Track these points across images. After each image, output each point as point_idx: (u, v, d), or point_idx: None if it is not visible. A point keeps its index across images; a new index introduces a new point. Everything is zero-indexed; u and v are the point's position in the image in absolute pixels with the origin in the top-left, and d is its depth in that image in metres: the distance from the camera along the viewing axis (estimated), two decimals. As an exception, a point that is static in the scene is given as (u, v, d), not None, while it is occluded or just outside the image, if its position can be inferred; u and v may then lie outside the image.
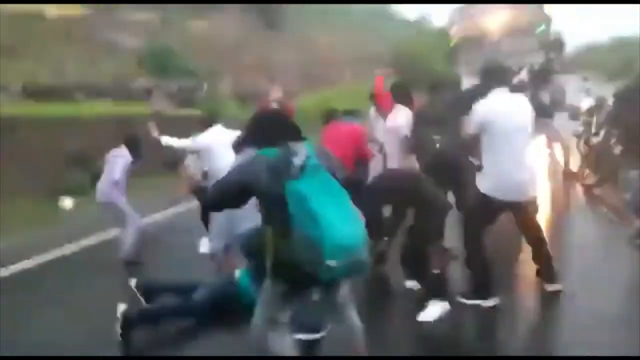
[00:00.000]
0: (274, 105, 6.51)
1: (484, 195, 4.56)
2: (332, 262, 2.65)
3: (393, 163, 5.88)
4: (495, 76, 4.72)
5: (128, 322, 4.32)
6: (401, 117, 5.98)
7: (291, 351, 3.24)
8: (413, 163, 5.64)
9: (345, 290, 3.22)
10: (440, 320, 4.48)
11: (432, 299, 4.51)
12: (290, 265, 2.84)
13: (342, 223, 2.71)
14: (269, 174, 2.90)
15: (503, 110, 4.52)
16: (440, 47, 35.18)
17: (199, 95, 18.14)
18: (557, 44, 14.75)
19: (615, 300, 4.89)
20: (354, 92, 24.74)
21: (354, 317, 3.28)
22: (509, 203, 4.60)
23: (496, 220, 4.86)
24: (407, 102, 6.10)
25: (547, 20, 15.23)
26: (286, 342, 3.25)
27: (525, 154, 4.58)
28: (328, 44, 31.67)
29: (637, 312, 4.44)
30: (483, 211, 4.63)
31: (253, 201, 3.15)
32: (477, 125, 4.55)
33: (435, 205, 4.65)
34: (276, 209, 2.86)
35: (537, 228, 4.97)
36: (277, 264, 3.01)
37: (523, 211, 4.84)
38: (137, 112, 13.26)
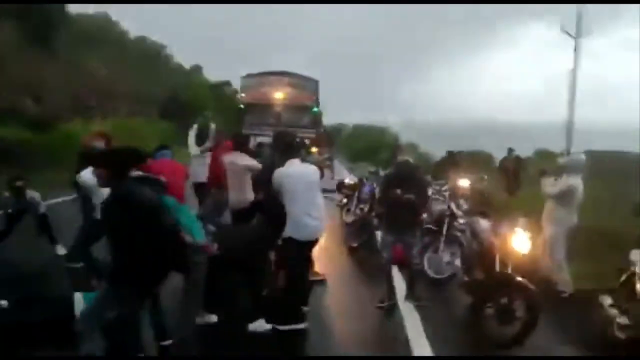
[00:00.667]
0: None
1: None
2: None
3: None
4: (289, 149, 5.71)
5: None
6: (242, 160, 6.96)
7: None
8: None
9: None
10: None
11: None
12: None
13: None
14: None
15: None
16: (210, 100, 36.76)
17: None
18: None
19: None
20: (130, 128, 24.19)
21: None
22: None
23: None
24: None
25: (318, 103, 17.53)
26: None
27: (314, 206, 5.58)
28: (105, 75, 30.31)
29: None
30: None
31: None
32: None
33: None
34: None
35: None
36: None
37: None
38: None
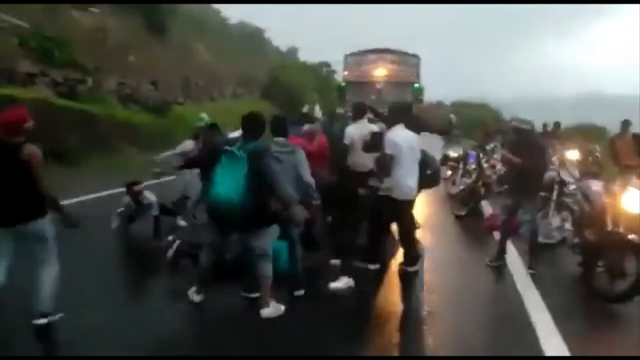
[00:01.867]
0: None
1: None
2: None
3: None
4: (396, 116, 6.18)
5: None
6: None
7: None
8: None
9: None
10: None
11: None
12: None
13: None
14: None
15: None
16: (309, 81, 37.76)
17: (82, 89, 17.65)
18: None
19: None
20: (234, 109, 25.68)
21: None
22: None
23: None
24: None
25: (419, 79, 17.74)
26: None
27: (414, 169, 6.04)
28: (211, 60, 32.16)
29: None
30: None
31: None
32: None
33: None
34: None
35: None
36: None
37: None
38: (18, 96, 12.75)
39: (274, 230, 5.06)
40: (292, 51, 58.17)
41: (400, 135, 5.97)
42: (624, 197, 5.56)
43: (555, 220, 7.61)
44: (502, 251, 6.71)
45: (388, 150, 5.90)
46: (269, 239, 5.00)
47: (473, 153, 11.58)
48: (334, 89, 43.86)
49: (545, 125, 14.47)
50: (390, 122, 6.26)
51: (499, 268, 6.63)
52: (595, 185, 6.42)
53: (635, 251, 5.30)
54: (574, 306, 5.58)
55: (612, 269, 5.41)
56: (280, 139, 5.34)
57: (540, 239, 7.51)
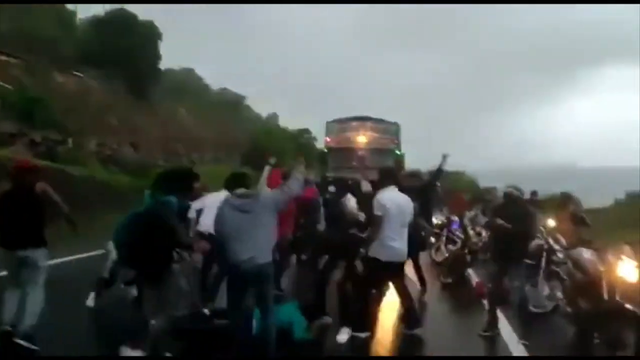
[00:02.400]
0: None
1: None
2: None
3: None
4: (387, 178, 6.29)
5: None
6: None
7: None
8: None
9: None
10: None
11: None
12: None
13: None
14: None
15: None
16: (290, 147, 38.16)
17: (63, 150, 17.47)
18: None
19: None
20: (215, 175, 25.66)
21: None
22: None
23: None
24: None
25: (399, 147, 18.03)
26: None
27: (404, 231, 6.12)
28: (192, 124, 32.40)
29: None
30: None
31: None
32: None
33: None
34: None
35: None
36: None
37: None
38: (-4, 155, 12.56)
39: None
40: (273, 117, 59.14)
41: (388, 197, 5.96)
42: (619, 266, 5.51)
43: (544, 289, 7.51)
44: (493, 320, 6.55)
45: (376, 212, 5.87)
46: None
47: (457, 220, 11.59)
48: (315, 156, 44.61)
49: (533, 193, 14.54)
50: (379, 185, 6.29)
51: (493, 338, 6.44)
52: (587, 254, 6.38)
53: (635, 321, 5.20)
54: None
55: (611, 340, 5.28)
56: (240, 190, 5.02)
57: (531, 308, 7.41)
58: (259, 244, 4.86)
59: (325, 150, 17.97)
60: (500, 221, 6.47)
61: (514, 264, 6.37)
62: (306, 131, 41.30)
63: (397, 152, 17.72)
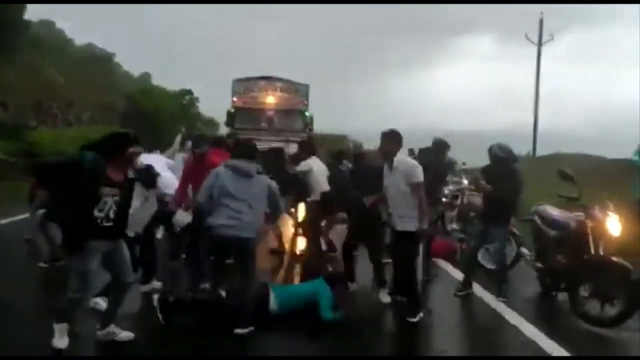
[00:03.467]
0: None
1: None
2: None
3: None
4: None
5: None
6: None
7: None
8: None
9: None
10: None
11: None
12: None
13: None
14: None
15: None
16: (171, 109, 36.07)
17: None
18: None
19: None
20: (92, 137, 23.30)
21: None
22: None
23: None
24: None
25: (308, 108, 17.63)
26: None
27: None
28: (61, 81, 29.15)
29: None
30: None
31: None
32: None
33: None
34: None
35: None
36: None
37: None
38: None
39: None
40: (145, 77, 55.46)
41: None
42: (607, 221, 5.69)
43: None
44: (468, 279, 6.59)
45: None
46: None
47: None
48: (198, 118, 42.63)
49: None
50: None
51: (468, 296, 6.47)
52: (554, 210, 6.57)
53: (621, 272, 5.41)
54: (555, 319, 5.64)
55: (602, 294, 5.45)
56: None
57: (488, 265, 7.56)
58: (249, 216, 4.92)
59: (232, 111, 16.99)
60: (482, 183, 6.40)
61: (498, 225, 6.34)
62: (188, 92, 39.19)
63: (307, 113, 17.31)
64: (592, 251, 5.72)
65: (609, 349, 5.23)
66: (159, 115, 31.56)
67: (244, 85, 17.23)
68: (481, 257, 7.75)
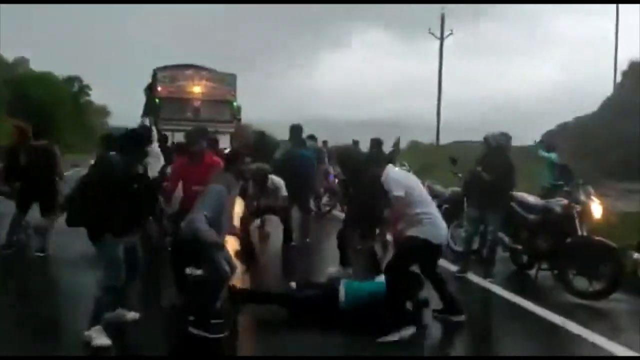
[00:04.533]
0: None
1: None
2: None
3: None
4: None
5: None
6: None
7: None
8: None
9: None
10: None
11: None
12: None
13: None
14: None
15: None
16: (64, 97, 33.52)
17: None
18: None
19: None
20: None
21: None
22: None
23: None
24: None
25: (235, 97, 17.30)
26: None
27: None
28: None
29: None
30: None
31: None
32: None
33: None
34: None
35: None
36: None
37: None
38: None
39: None
40: (21, 62, 50.73)
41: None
42: (591, 205, 6.33)
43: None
44: (467, 262, 7.06)
45: None
46: None
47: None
48: (90, 106, 39.94)
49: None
50: None
51: (465, 279, 6.88)
52: (531, 198, 7.18)
53: (607, 252, 6.05)
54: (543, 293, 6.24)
55: (590, 271, 6.06)
56: None
57: (456, 248, 8.07)
58: None
59: (156, 101, 16.19)
60: (481, 171, 6.79)
61: (494, 211, 6.79)
62: (77, 79, 36.62)
63: (235, 103, 16.97)
64: (579, 233, 6.33)
65: (599, 317, 5.80)
66: (50, 104, 29.31)
67: (169, 74, 16.50)
68: (451, 240, 8.28)
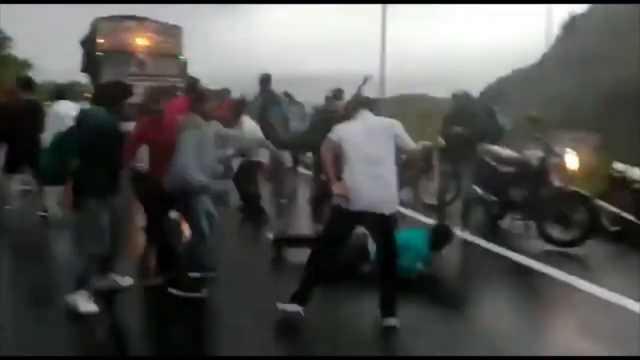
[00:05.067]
0: None
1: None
2: None
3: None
4: None
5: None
6: None
7: None
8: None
9: None
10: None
11: None
12: None
13: None
14: None
15: None
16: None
17: None
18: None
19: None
20: None
21: None
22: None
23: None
24: None
25: (182, 50, 16.41)
26: None
27: None
28: None
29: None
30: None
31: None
32: None
33: None
34: None
35: None
36: None
37: None
38: None
39: None
40: None
41: None
42: (567, 157, 6.49)
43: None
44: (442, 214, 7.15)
45: None
46: None
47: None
48: (12, 60, 36.95)
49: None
50: None
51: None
52: (505, 151, 7.29)
53: (581, 200, 6.26)
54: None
55: (566, 220, 6.27)
56: None
57: (427, 201, 8.21)
58: None
59: (99, 54, 15.10)
60: (457, 129, 6.81)
61: (466, 163, 6.85)
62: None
63: (182, 57, 16.12)
64: (555, 184, 6.50)
65: (574, 262, 6.03)
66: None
67: (110, 25, 15.36)
68: (423, 195, 8.41)
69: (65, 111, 6.75)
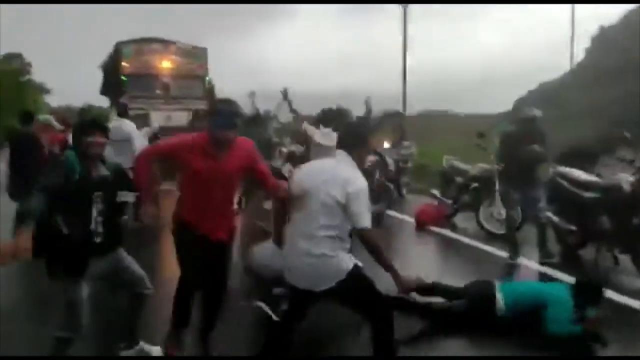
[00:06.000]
0: None
1: None
2: None
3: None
4: None
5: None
6: None
7: None
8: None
9: None
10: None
11: None
12: None
13: None
14: None
15: None
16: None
17: None
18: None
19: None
20: None
21: None
22: None
23: None
24: None
25: (207, 72, 15.99)
26: None
27: None
28: None
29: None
30: None
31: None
32: None
33: None
34: None
35: None
36: None
37: None
38: None
39: None
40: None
41: None
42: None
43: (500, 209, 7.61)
44: (516, 245, 6.51)
45: None
46: None
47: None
48: (31, 85, 37.05)
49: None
50: None
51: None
52: (580, 173, 6.60)
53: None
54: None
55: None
56: None
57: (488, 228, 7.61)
58: None
59: (124, 78, 14.71)
60: (533, 148, 6.28)
61: (537, 186, 6.44)
62: (17, 56, 33.96)
63: (206, 79, 15.71)
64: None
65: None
66: None
67: (134, 48, 15.00)
68: (486, 222, 7.80)
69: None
